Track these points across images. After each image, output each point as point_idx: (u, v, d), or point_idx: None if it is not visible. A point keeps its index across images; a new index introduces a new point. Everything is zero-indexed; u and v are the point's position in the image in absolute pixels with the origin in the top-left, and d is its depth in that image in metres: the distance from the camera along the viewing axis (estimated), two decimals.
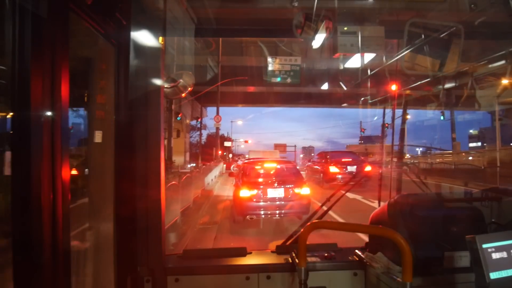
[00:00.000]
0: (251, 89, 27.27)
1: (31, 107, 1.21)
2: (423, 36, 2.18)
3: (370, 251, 2.26)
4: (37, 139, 1.22)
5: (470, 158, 26.64)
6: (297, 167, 12.33)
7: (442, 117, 26.41)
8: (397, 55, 2.28)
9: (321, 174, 18.55)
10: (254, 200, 9.26)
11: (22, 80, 1.20)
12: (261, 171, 10.91)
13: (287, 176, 10.29)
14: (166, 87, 2.43)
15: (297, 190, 9.43)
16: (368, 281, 2.19)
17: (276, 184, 9.52)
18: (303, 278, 1.88)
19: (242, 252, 2.47)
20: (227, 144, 48.06)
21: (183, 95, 2.60)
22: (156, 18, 2.24)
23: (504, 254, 1.44)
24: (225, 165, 32.32)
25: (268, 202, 9.28)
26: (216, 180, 21.25)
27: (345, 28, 2.20)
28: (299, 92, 27.48)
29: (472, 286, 1.45)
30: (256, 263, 2.33)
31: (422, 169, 25.44)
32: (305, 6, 2.22)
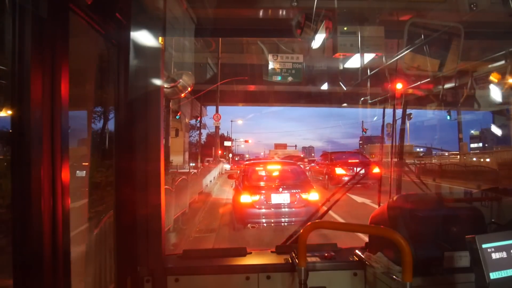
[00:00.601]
0: (252, 87, 27.23)
1: (31, 107, 1.21)
2: (423, 36, 2.18)
3: (370, 251, 2.26)
4: (37, 139, 1.22)
5: (474, 159, 26.58)
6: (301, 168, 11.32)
7: (448, 117, 26.05)
8: (397, 55, 2.28)
9: (326, 176, 17.89)
10: (256, 206, 8.30)
11: (22, 80, 1.20)
12: (264, 174, 9.91)
13: (293, 180, 9.35)
14: (166, 87, 2.43)
15: (304, 196, 8.45)
16: (368, 281, 2.19)
17: (280, 189, 8.54)
18: (303, 278, 1.88)
19: (242, 252, 2.47)
20: (227, 143, 48.06)
21: (183, 95, 2.60)
22: (156, 18, 2.24)
23: (504, 254, 1.44)
24: (226, 166, 32.36)
25: (272, 209, 8.28)
26: (215, 181, 20.88)
27: (345, 28, 2.20)
28: (300, 91, 27.50)
29: (472, 286, 1.45)
30: (256, 263, 2.33)
31: (429, 169, 24.96)
32: (305, 6, 2.21)
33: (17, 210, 1.21)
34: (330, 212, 10.60)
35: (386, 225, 2.00)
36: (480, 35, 2.64)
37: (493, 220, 2.12)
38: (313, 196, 8.51)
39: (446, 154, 32.76)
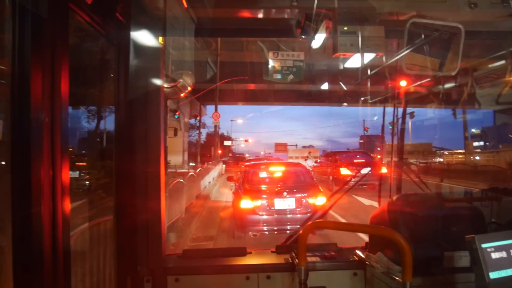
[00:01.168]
0: (252, 86, 27.15)
1: (31, 107, 1.21)
2: (423, 36, 2.18)
3: (370, 251, 2.26)
4: (37, 139, 1.22)
5: (478, 157, 26.45)
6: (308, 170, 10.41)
7: (453, 116, 25.75)
8: (397, 55, 2.28)
9: (330, 177, 17.12)
10: (259, 213, 7.54)
11: (22, 80, 1.20)
12: (267, 177, 8.97)
13: (298, 183, 8.55)
14: (166, 87, 2.43)
15: (311, 201, 7.67)
16: (368, 281, 2.19)
17: (285, 193, 7.75)
18: (303, 278, 1.88)
19: (242, 252, 2.48)
20: (227, 143, 48.03)
21: (183, 95, 2.60)
22: (156, 18, 2.24)
23: (503, 254, 1.44)
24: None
25: (276, 216, 7.48)
26: (215, 182, 20.28)
27: (345, 28, 2.20)
28: (300, 90, 27.43)
29: (472, 286, 1.45)
30: (256, 263, 2.33)
31: (436, 169, 24.48)
32: (305, 6, 2.21)
33: (17, 210, 1.21)
34: (336, 215, 10.35)
35: (386, 225, 2.00)
36: (480, 35, 2.64)
37: (493, 220, 2.12)
38: (321, 201, 7.69)
39: (446, 153, 32.68)
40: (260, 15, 2.51)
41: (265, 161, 22.25)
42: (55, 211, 1.28)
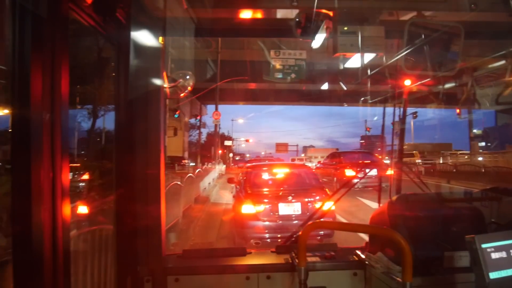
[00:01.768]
0: (252, 86, 27.10)
1: (31, 107, 1.21)
2: (423, 36, 2.18)
3: (370, 251, 2.26)
4: (37, 139, 1.22)
5: (480, 158, 26.27)
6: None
7: (457, 115, 25.43)
8: (397, 55, 2.28)
9: (335, 178, 16.61)
10: (261, 218, 6.93)
11: (22, 80, 1.21)
12: (270, 179, 8.37)
13: (304, 186, 7.93)
14: (166, 87, 2.44)
15: (318, 205, 6.89)
16: (368, 281, 2.19)
17: (290, 197, 7.11)
18: (303, 278, 1.88)
19: (242, 252, 2.48)
20: (227, 143, 48.00)
21: (183, 94, 2.60)
22: (156, 18, 2.24)
23: (503, 254, 1.44)
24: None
25: (280, 222, 6.84)
26: (214, 183, 19.82)
27: (345, 28, 2.20)
28: (300, 90, 27.40)
29: (472, 286, 1.45)
30: (256, 263, 2.33)
31: (443, 171, 24.01)
32: (305, 6, 2.22)
33: (17, 210, 1.21)
34: (343, 219, 10.05)
35: (386, 225, 2.00)
36: (480, 35, 2.64)
37: (493, 220, 2.12)
38: (328, 205, 6.89)
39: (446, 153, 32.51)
40: (260, 15, 2.51)
41: (267, 161, 22.06)
42: (55, 210, 1.28)
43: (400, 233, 1.64)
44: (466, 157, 29.56)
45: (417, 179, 2.94)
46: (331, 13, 2.23)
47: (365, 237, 3.48)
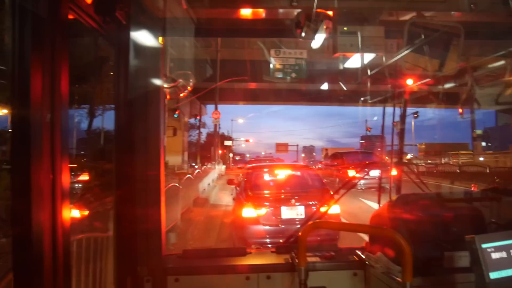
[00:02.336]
0: (253, 85, 27.06)
1: (31, 107, 1.21)
2: (423, 36, 2.18)
3: (370, 251, 2.26)
4: (37, 139, 1.22)
5: (481, 159, 26.07)
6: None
7: (459, 115, 25.11)
8: (397, 55, 2.28)
9: (337, 179, 16.45)
10: (263, 222, 6.58)
11: (22, 80, 1.21)
12: (272, 181, 8.04)
13: (308, 188, 7.54)
14: (166, 87, 2.44)
15: (322, 209, 6.28)
16: (368, 281, 2.19)
17: (293, 200, 6.75)
18: (303, 278, 1.88)
19: (242, 252, 2.48)
20: (227, 143, 47.99)
21: (182, 95, 2.60)
22: (156, 18, 2.24)
23: (503, 254, 1.44)
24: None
25: (282, 226, 6.46)
26: (214, 184, 19.66)
27: (345, 28, 2.20)
28: (300, 90, 27.38)
29: (472, 286, 1.45)
30: (256, 263, 2.33)
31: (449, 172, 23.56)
32: (305, 6, 2.22)
33: (17, 210, 1.21)
34: (346, 221, 9.93)
35: (386, 225, 2.00)
36: (480, 35, 2.64)
37: (493, 220, 2.12)
38: (334, 209, 6.53)
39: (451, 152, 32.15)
40: (260, 15, 2.51)
41: (268, 162, 21.80)
42: (55, 210, 1.28)
43: (400, 233, 1.64)
44: (458, 158, 29.43)
45: (417, 179, 2.95)
46: (331, 13, 2.23)
47: (365, 237, 3.48)
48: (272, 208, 6.68)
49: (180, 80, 2.51)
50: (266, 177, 8.24)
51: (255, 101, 37.14)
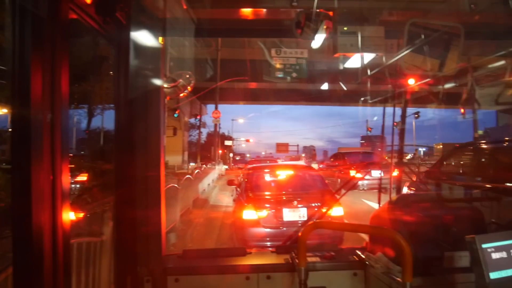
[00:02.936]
0: (253, 85, 27.02)
1: (31, 107, 1.21)
2: (423, 36, 2.18)
3: (370, 251, 2.26)
4: (37, 139, 1.22)
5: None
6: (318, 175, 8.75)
7: (461, 115, 24.76)
8: (397, 55, 2.28)
9: (339, 180, 16.18)
10: (264, 225, 6.38)
11: (22, 80, 1.21)
12: (273, 182, 7.79)
13: (310, 189, 7.30)
14: (166, 87, 2.44)
15: (323, 209, 6.17)
16: (368, 281, 2.19)
17: (295, 202, 6.57)
18: (303, 278, 1.88)
19: (242, 252, 2.48)
20: (227, 143, 47.97)
21: (182, 95, 2.60)
22: (156, 18, 2.24)
23: (503, 254, 1.44)
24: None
25: (284, 229, 6.24)
26: (214, 184, 19.37)
27: (345, 28, 2.20)
28: (301, 90, 27.36)
29: (472, 286, 1.45)
30: (256, 263, 2.33)
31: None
32: (305, 6, 2.22)
33: (17, 210, 1.21)
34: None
35: (386, 225, 2.00)
36: (480, 35, 2.64)
37: (493, 220, 2.12)
38: (337, 211, 6.49)
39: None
40: (260, 16, 2.51)
41: (268, 162, 21.68)
42: (55, 210, 1.28)
43: (400, 233, 1.64)
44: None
45: (418, 180, 2.94)
46: (331, 13, 2.23)
47: (366, 237, 3.48)
48: (273, 210, 6.50)
49: (180, 80, 2.51)
50: (267, 177, 8.03)
51: (256, 101, 37.10)
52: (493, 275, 1.40)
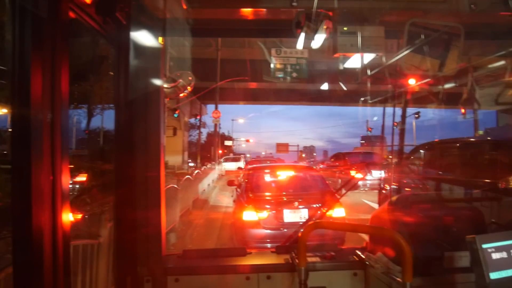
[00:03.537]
0: (253, 85, 26.99)
1: (31, 107, 1.21)
2: (423, 36, 2.18)
3: (370, 251, 2.26)
4: (37, 139, 1.22)
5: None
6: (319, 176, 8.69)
7: (462, 115, 24.70)
8: (397, 55, 2.28)
9: (339, 180, 16.19)
10: (264, 226, 6.33)
11: (22, 80, 1.21)
12: (274, 183, 7.73)
13: (311, 190, 7.24)
14: (166, 87, 2.44)
15: (327, 212, 6.19)
16: (368, 281, 2.19)
17: (296, 203, 6.50)
18: (303, 278, 1.88)
19: (242, 252, 2.48)
20: (227, 143, 47.96)
21: (182, 95, 2.60)
22: (156, 19, 2.24)
23: (504, 254, 1.44)
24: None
25: (285, 230, 6.13)
26: (214, 185, 19.36)
27: (345, 28, 2.20)
28: (301, 90, 27.33)
29: (472, 286, 1.45)
30: (256, 263, 2.33)
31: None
32: (305, 6, 2.21)
33: (17, 210, 1.21)
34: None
35: (386, 225, 2.00)
36: (480, 35, 2.63)
37: (493, 220, 2.12)
38: (338, 212, 6.45)
39: None
40: (260, 16, 2.51)
41: (268, 162, 21.61)
42: (55, 210, 1.28)
43: (400, 233, 1.64)
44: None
45: (417, 180, 2.95)
46: (331, 13, 2.23)
47: (366, 237, 3.48)
48: (274, 211, 6.44)
49: (180, 80, 2.52)
50: (268, 178, 7.95)
51: (256, 101, 37.08)
52: (493, 275, 1.40)
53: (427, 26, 2.19)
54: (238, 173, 15.69)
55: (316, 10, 2.19)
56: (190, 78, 2.63)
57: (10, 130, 1.24)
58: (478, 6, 2.17)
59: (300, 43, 2.33)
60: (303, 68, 2.80)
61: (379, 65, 2.64)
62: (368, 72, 2.69)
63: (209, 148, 38.80)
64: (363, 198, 12.47)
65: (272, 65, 2.77)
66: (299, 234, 1.96)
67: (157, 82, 2.24)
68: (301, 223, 5.95)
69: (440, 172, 7.23)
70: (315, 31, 2.26)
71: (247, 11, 2.50)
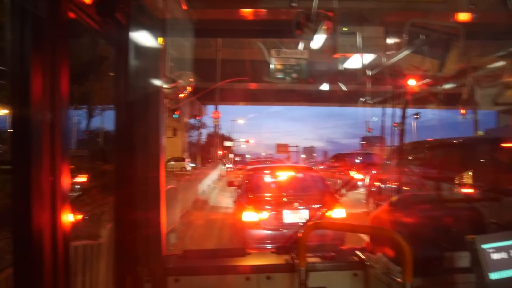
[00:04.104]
0: (253, 86, 26.95)
1: (31, 107, 1.21)
2: (423, 37, 2.18)
3: (370, 252, 2.26)
4: (37, 139, 1.22)
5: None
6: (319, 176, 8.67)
7: (462, 115, 24.85)
8: (397, 55, 2.28)
9: (338, 181, 16.18)
10: (264, 227, 6.34)
11: (22, 80, 1.21)
12: (274, 184, 7.73)
13: (311, 191, 7.26)
14: (166, 88, 2.44)
15: (327, 213, 5.97)
16: (368, 281, 2.19)
17: (296, 204, 6.52)
18: (303, 278, 1.88)
19: (242, 253, 2.48)
20: (227, 143, 47.95)
21: (182, 95, 2.60)
22: (156, 19, 2.24)
23: (503, 255, 1.44)
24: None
25: (285, 231, 6.16)
26: (214, 185, 19.36)
27: (345, 29, 2.20)
28: (301, 90, 27.30)
29: (472, 286, 1.45)
30: (256, 264, 2.33)
31: None
32: (305, 6, 2.22)
33: (17, 210, 1.21)
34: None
35: (386, 225, 2.00)
36: (480, 35, 2.63)
37: (493, 220, 2.12)
38: (339, 213, 6.43)
39: None
40: (260, 16, 2.51)
41: (268, 163, 21.63)
42: (55, 211, 1.27)
43: (400, 234, 1.64)
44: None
45: (418, 180, 2.95)
46: (330, 14, 2.23)
47: (366, 237, 3.48)
48: (274, 212, 6.45)
49: (180, 81, 2.51)
50: (268, 179, 7.94)
51: (256, 101, 37.05)
52: (493, 276, 1.40)
53: (427, 26, 2.19)
54: (238, 174, 15.61)
55: (316, 10, 2.19)
56: (190, 78, 2.63)
57: (10, 130, 1.24)
58: (478, 6, 2.17)
59: (300, 44, 2.34)
60: (303, 69, 2.80)
61: (379, 66, 2.64)
62: (368, 72, 2.69)
63: (209, 149, 38.79)
64: (363, 199, 12.48)
65: (272, 66, 2.77)
66: (299, 235, 1.95)
67: (157, 82, 2.24)
68: (301, 223, 6.12)
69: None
70: (315, 32, 2.26)
71: (247, 12, 2.50)
